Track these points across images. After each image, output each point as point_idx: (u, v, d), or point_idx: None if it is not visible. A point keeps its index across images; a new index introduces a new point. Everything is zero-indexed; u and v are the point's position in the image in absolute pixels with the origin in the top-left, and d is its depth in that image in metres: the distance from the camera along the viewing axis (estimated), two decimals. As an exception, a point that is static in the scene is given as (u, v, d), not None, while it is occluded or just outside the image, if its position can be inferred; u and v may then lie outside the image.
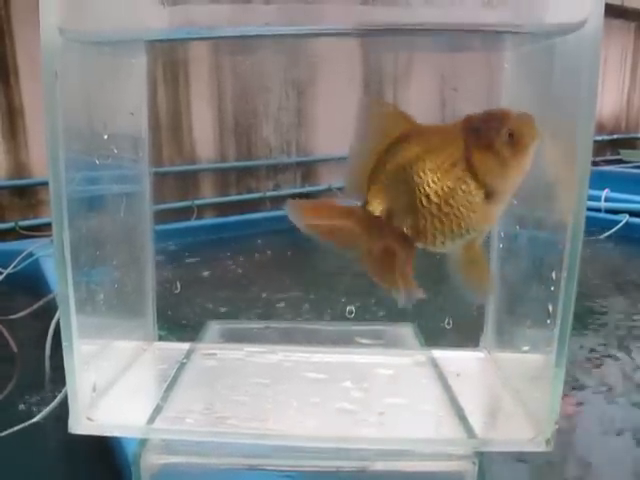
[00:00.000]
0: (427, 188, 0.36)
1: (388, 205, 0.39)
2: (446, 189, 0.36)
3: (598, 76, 0.37)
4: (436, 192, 0.36)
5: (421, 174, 0.36)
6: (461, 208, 0.37)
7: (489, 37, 0.44)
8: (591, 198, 2.60)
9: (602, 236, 2.40)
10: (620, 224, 2.46)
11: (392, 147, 0.37)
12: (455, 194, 0.36)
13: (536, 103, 0.47)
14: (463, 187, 0.36)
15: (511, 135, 0.36)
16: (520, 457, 0.93)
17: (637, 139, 5.02)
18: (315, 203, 0.44)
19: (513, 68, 0.50)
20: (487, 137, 0.36)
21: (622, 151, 4.72)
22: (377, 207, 0.39)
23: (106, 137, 0.48)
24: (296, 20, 0.40)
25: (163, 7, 0.41)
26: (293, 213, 0.40)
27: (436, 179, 0.36)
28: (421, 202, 0.37)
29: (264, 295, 1.77)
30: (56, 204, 0.40)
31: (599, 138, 4.58)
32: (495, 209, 0.38)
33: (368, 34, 0.42)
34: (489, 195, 0.37)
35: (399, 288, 0.40)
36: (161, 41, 0.45)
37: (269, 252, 2.38)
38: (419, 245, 0.39)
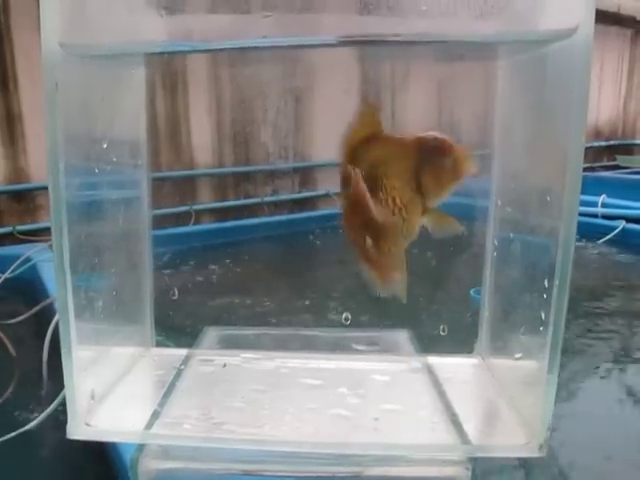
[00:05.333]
0: (386, 189, 0.44)
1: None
2: (399, 198, 0.44)
3: (589, 82, 0.37)
4: (393, 196, 0.44)
5: (384, 176, 0.44)
6: (407, 213, 0.44)
7: (482, 46, 0.45)
8: (588, 204, 2.61)
9: (599, 242, 2.40)
10: (617, 230, 2.47)
11: (364, 145, 0.44)
12: (405, 203, 0.44)
13: (529, 111, 0.47)
14: (411, 201, 0.44)
15: (454, 163, 0.43)
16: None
17: (634, 145, 5.05)
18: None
19: (506, 77, 0.50)
20: (436, 163, 0.43)
21: (619, 157, 4.75)
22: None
23: (105, 145, 0.48)
24: (294, 31, 0.40)
25: (161, 18, 0.42)
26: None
27: (394, 186, 0.44)
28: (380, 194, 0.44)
29: (261, 301, 1.77)
30: (56, 212, 0.40)
31: (596, 144, 4.61)
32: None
33: (364, 44, 0.43)
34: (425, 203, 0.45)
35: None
36: (160, 54, 0.45)
37: (267, 257, 2.38)
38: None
